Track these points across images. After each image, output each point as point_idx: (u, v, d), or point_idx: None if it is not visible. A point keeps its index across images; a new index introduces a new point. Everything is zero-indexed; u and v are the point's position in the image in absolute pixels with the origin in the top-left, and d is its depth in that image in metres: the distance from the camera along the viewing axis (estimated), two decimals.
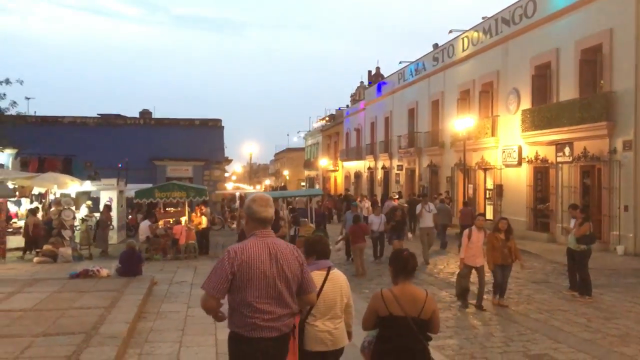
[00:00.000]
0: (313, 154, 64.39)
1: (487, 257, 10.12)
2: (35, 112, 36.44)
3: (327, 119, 62.25)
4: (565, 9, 19.35)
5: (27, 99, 36.57)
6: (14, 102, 23.88)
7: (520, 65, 22.01)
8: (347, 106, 55.89)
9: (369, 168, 42.41)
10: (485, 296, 10.30)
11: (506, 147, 22.71)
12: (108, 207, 18.66)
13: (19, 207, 19.79)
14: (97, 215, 18.73)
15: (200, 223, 18.26)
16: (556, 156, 19.37)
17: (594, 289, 10.90)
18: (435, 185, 29.86)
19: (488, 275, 10.51)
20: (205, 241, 18.05)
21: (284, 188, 50.11)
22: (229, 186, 51.70)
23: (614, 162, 16.91)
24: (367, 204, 24.10)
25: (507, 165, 22.73)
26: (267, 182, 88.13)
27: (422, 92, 32.38)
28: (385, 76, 43.85)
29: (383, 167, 39.17)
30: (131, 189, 21.86)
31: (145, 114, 37.20)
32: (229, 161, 42.45)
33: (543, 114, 19.87)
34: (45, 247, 15.64)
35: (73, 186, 18.87)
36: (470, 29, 26.72)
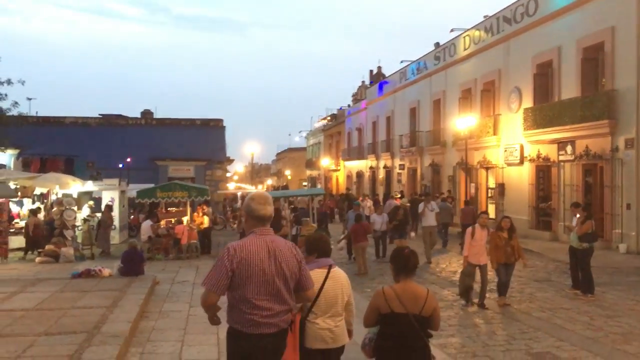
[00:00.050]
0: (315, 154, 64.40)
1: (490, 256, 10.07)
2: (37, 112, 36.61)
3: (328, 118, 62.22)
4: (567, 7, 19.32)
5: (29, 99, 36.70)
6: (16, 103, 23.96)
7: (522, 64, 21.98)
8: (349, 106, 55.89)
9: (371, 167, 42.39)
10: (487, 295, 10.28)
11: (508, 145, 22.68)
12: (109, 207, 18.68)
13: (21, 207, 19.83)
14: (99, 215, 18.74)
15: (202, 223, 18.27)
16: (558, 154, 19.35)
17: (596, 287, 10.88)
18: (437, 184, 29.82)
19: (491, 274, 10.49)
20: (207, 241, 18.06)
21: (285, 188, 50.11)
22: (231, 186, 51.77)
23: (616, 160, 16.88)
24: (369, 203, 24.10)
25: (509, 164, 22.71)
26: (269, 181, 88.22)
27: (424, 91, 32.36)
28: (387, 75, 43.84)
29: (385, 167, 39.15)
30: (133, 189, 21.88)
31: (147, 114, 37.27)
32: (230, 161, 42.52)
33: (545, 112, 19.85)
34: (47, 247, 15.66)
35: (75, 186, 18.90)
36: (472, 28, 26.68)
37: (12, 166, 27.51)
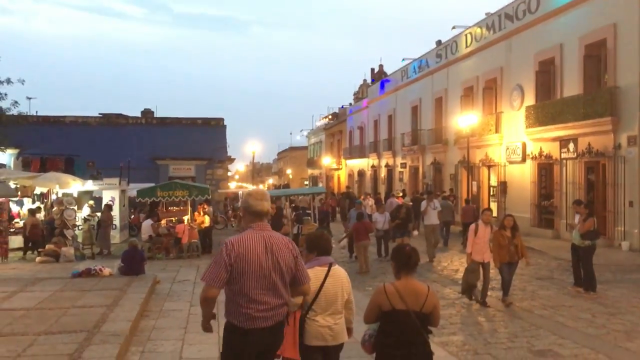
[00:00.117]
0: (316, 153, 64.37)
1: (493, 255, 9.98)
2: (37, 112, 36.51)
3: (330, 117, 62.17)
4: (569, 4, 19.26)
5: (29, 98, 36.63)
6: (16, 102, 23.94)
7: (524, 61, 21.92)
8: (350, 104, 55.82)
9: (373, 166, 42.35)
10: (489, 293, 10.22)
11: (510, 143, 22.63)
12: (109, 207, 18.66)
13: (21, 207, 19.81)
14: (99, 214, 18.73)
15: (203, 222, 18.24)
16: (560, 152, 19.30)
17: (598, 284, 10.84)
18: (439, 182, 29.79)
19: (493, 272, 10.44)
20: (208, 240, 18.03)
21: (286, 186, 50.12)
22: (232, 185, 51.76)
23: (619, 158, 16.81)
24: (370, 202, 24.05)
25: (511, 162, 22.65)
26: (270, 181, 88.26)
27: (426, 89, 32.31)
28: (388, 74, 43.79)
29: (386, 165, 39.11)
30: (133, 188, 21.86)
31: (147, 113, 37.20)
32: (231, 160, 42.44)
33: (547, 110, 19.79)
34: (47, 246, 15.67)
35: (75, 186, 18.88)
36: (474, 25, 26.62)
37: (12, 166, 27.51)
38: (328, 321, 4.41)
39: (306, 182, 66.15)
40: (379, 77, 48.16)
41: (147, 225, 17.40)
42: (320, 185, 54.32)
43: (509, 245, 9.80)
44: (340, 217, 27.64)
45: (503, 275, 9.98)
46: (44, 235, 16.74)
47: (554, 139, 19.63)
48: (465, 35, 27.29)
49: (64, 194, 18.01)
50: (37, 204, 19.39)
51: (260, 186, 67.65)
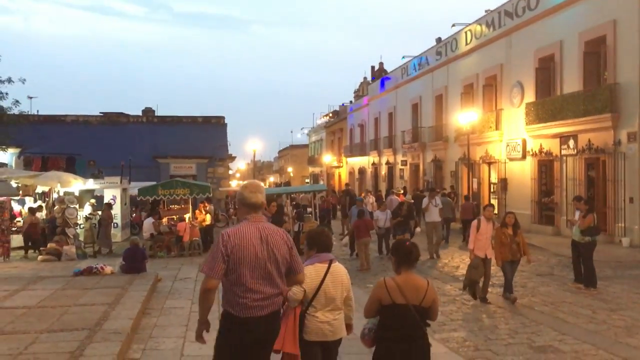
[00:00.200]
0: (317, 151, 64.39)
1: (495, 253, 9.98)
2: (38, 111, 36.56)
3: (330, 115, 62.15)
4: (569, 0, 19.23)
5: (30, 98, 36.65)
6: (17, 101, 23.96)
7: (524, 58, 21.91)
8: (351, 102, 55.79)
9: (373, 164, 42.36)
10: (490, 289, 10.24)
11: (510, 140, 22.64)
12: (109, 205, 18.70)
13: (23, 205, 19.85)
14: (100, 213, 18.77)
15: (204, 220, 18.27)
16: (560, 149, 19.31)
17: (599, 280, 10.86)
18: (440, 180, 29.80)
19: (494, 269, 10.46)
20: (209, 238, 18.07)
21: (287, 184, 50.15)
22: (233, 183, 51.75)
23: (619, 154, 16.82)
24: (371, 199, 24.07)
25: (511, 159, 22.66)
26: (271, 179, 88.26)
27: (426, 86, 32.30)
28: (389, 71, 43.74)
29: (387, 163, 39.11)
30: (134, 187, 21.90)
31: (148, 112, 37.23)
32: (232, 158, 42.37)
33: (547, 106, 19.79)
34: (49, 245, 15.71)
35: (76, 184, 18.92)
36: (474, 22, 26.59)
37: (13, 165, 27.56)
38: (328, 317, 4.46)
39: (307, 180, 66.18)
40: (380, 74, 48.16)
41: (148, 223, 17.44)
42: (321, 183, 54.34)
43: (511, 243, 9.79)
44: (341, 215, 27.68)
45: (506, 274, 9.95)
46: (44, 233, 16.77)
47: (554, 136, 19.63)
48: (465, 32, 27.27)
49: (65, 193, 18.04)
50: (39, 202, 19.42)
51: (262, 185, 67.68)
